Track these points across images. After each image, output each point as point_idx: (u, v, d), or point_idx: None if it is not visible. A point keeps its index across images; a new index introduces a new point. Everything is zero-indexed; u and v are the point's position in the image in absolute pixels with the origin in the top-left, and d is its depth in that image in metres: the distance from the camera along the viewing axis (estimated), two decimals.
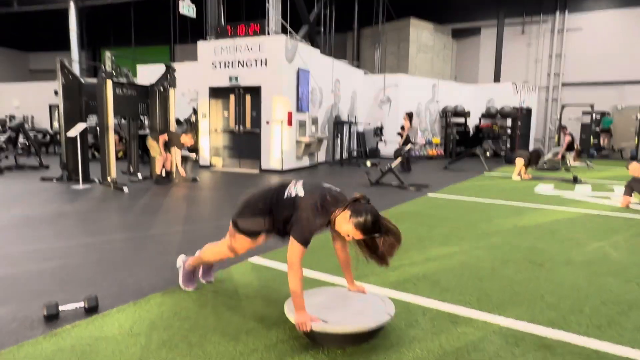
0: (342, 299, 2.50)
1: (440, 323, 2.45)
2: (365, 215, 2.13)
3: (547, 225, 5.03)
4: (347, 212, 2.18)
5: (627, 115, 16.15)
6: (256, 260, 3.51)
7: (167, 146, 8.03)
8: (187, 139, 8.07)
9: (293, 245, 2.19)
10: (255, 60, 10.27)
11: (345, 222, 2.18)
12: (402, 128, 11.16)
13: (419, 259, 3.68)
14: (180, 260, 2.91)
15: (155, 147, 8.02)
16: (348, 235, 2.21)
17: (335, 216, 2.23)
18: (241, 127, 10.77)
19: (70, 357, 2.03)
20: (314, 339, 2.18)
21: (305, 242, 2.18)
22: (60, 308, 2.46)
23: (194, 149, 11.89)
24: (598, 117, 16.30)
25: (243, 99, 10.65)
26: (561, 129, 14.16)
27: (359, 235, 2.18)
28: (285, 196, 2.34)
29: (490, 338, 2.29)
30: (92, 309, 2.52)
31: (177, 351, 2.10)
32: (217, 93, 10.94)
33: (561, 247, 4.11)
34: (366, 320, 2.20)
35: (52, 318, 2.40)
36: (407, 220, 5.21)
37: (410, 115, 10.93)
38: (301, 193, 2.29)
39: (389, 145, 14.65)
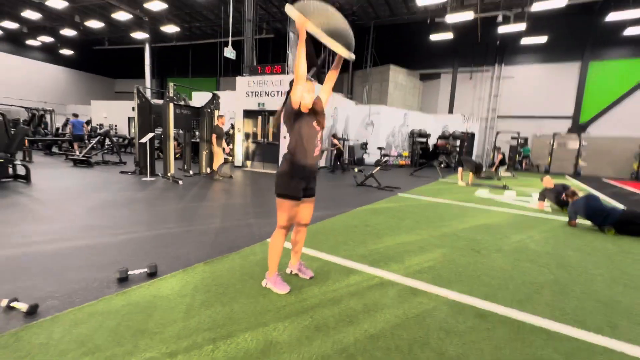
0: None
1: (404, 295, 2.41)
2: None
3: (483, 221, 4.98)
4: (293, 86, 2.19)
5: (543, 141, 16.17)
6: None
7: (219, 139, 7.67)
8: (221, 120, 7.68)
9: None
10: (277, 92, 10.20)
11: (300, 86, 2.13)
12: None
13: (391, 243, 3.64)
14: (263, 282, 2.41)
15: (220, 152, 7.74)
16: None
17: (295, 100, 2.19)
18: (265, 140, 10.70)
19: (136, 311, 2.00)
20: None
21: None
22: (129, 273, 2.44)
23: (228, 141, 11.76)
24: (522, 141, 16.24)
25: (267, 119, 10.57)
26: (495, 149, 14.04)
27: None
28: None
29: (440, 307, 2.25)
30: (152, 274, 2.49)
31: (212, 309, 2.07)
32: (249, 114, 10.86)
33: (493, 238, 4.06)
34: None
35: (123, 280, 2.38)
36: (384, 213, 5.17)
37: (334, 135, 11.23)
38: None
39: (371, 156, 14.61)
